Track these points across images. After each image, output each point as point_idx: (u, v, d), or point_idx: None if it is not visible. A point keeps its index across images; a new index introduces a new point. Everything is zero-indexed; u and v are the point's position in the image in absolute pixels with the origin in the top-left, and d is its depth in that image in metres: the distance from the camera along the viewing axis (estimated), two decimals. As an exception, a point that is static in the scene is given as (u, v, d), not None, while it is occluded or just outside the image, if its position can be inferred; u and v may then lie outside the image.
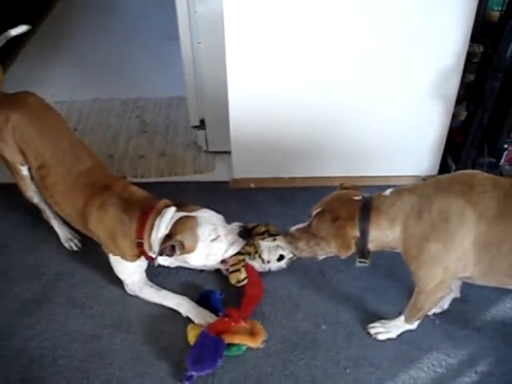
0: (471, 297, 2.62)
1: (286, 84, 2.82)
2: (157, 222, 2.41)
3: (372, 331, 2.50)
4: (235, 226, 2.48)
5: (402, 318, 2.42)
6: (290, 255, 2.61)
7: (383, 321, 2.52)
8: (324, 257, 2.32)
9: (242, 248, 2.51)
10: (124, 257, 2.55)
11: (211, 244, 2.39)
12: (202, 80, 3.17)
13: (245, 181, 3.22)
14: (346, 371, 2.38)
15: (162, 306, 2.63)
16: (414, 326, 2.43)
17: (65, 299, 2.70)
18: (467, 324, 2.54)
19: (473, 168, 2.98)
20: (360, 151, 3.07)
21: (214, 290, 2.66)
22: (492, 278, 2.17)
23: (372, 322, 2.52)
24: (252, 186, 3.22)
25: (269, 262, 2.63)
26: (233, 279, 2.61)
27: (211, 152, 3.51)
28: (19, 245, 2.96)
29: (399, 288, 2.64)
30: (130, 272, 2.63)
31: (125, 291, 2.69)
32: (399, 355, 2.43)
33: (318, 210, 2.23)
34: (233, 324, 2.41)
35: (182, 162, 3.47)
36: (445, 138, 3.05)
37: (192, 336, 2.41)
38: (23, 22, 4.74)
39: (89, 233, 2.64)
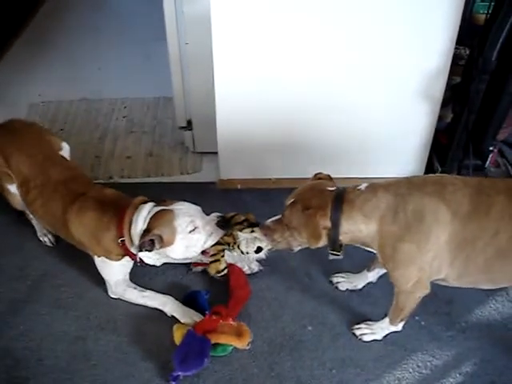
0: (456, 298, 2.64)
1: (274, 85, 2.83)
2: (134, 217, 2.44)
3: (357, 332, 2.52)
4: (213, 216, 2.48)
5: (387, 319, 2.43)
6: (269, 246, 2.56)
7: (369, 322, 2.53)
8: (299, 248, 2.33)
9: (221, 238, 2.50)
10: (109, 256, 2.57)
11: (189, 235, 2.40)
12: (189, 81, 3.16)
13: (231, 182, 3.23)
14: (332, 372, 2.39)
15: (147, 307, 2.62)
16: (399, 327, 2.44)
17: (50, 300, 2.69)
18: (452, 325, 2.55)
19: (459, 170, 3.00)
20: (346, 153, 3.07)
21: (201, 290, 2.65)
22: (467, 278, 2.21)
23: (358, 323, 2.53)
24: (239, 186, 3.22)
25: (247, 253, 2.60)
26: (212, 269, 2.62)
27: (198, 153, 3.51)
28: (4, 245, 2.95)
29: (385, 289, 2.64)
30: (115, 272, 2.63)
31: (106, 294, 2.69)
32: (384, 356, 2.44)
33: (291, 200, 2.24)
34: (221, 321, 2.42)
35: (168, 163, 3.47)
36: (431, 140, 3.06)
37: (178, 336, 2.41)
38: (12, 20, 4.76)
39: (74, 241, 2.66)
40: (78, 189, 2.66)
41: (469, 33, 2.77)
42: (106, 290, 2.68)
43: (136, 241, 2.43)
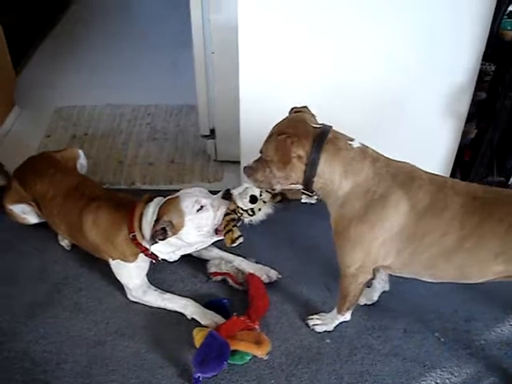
0: (476, 315, 2.62)
1: (300, 96, 2.81)
2: (144, 211, 2.51)
3: (310, 323, 2.56)
4: (218, 194, 2.52)
5: (335, 310, 2.46)
6: (263, 195, 2.47)
7: (322, 313, 2.57)
8: (279, 186, 2.24)
9: (228, 209, 2.48)
10: (124, 258, 2.60)
11: (198, 215, 2.42)
12: (213, 89, 3.18)
13: (253, 191, 3.22)
14: (349, 386, 2.39)
15: (167, 310, 2.64)
16: (347, 317, 2.48)
17: (70, 304, 2.70)
18: (472, 343, 2.53)
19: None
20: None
21: (222, 298, 2.66)
22: (410, 269, 2.24)
23: (376, 336, 2.52)
24: (260, 197, 3.22)
25: (253, 212, 2.48)
26: (227, 240, 2.53)
27: (220, 161, 3.52)
28: (26, 247, 2.97)
29: (404, 303, 2.64)
30: (132, 275, 2.65)
31: (126, 299, 2.70)
32: (403, 372, 2.42)
33: (269, 133, 2.21)
34: (248, 322, 2.43)
35: (190, 171, 3.48)
36: (454, 156, 3.04)
37: (199, 338, 2.40)
38: (37, 25, 4.81)
39: (90, 245, 2.71)
40: (90, 193, 2.74)
41: (495, 49, 2.76)
42: (125, 295, 2.70)
43: (147, 234, 2.47)
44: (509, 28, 2.72)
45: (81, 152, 3.13)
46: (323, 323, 2.54)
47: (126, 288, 2.69)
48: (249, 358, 2.41)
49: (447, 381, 2.39)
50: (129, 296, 2.69)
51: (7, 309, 2.68)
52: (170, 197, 2.51)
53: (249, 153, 3.03)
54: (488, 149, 2.88)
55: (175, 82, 4.19)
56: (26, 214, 2.95)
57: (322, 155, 2.07)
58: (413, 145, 2.99)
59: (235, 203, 2.48)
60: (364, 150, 2.14)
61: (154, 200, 2.55)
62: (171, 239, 2.45)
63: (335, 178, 2.10)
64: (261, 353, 2.39)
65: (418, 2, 2.53)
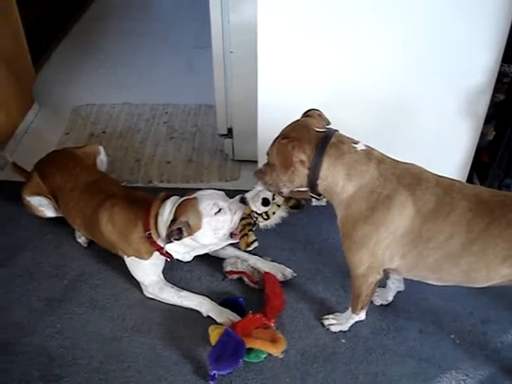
0: (492, 317, 2.60)
1: (318, 97, 2.82)
2: (160, 210, 2.52)
3: (325, 323, 2.57)
4: (235, 198, 2.53)
5: (350, 309, 2.46)
6: (276, 198, 2.48)
7: (337, 313, 2.58)
8: (287, 190, 2.27)
9: (244, 213, 2.49)
10: (138, 255, 2.61)
11: (215, 217, 2.44)
12: (231, 89, 3.19)
13: (269, 191, 3.22)
14: (364, 387, 2.39)
15: (182, 307, 2.65)
16: (361, 316, 2.48)
17: (86, 300, 2.72)
18: (487, 345, 2.52)
19: (499, 188, 2.97)
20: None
21: (238, 296, 2.67)
22: (417, 273, 2.24)
23: (391, 337, 2.52)
24: (276, 196, 3.22)
25: (267, 215, 2.49)
26: (242, 244, 2.55)
27: (237, 160, 3.53)
28: (43, 243, 2.99)
29: (420, 304, 2.64)
30: (147, 272, 2.67)
31: (142, 296, 2.71)
32: (418, 373, 2.42)
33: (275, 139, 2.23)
34: (264, 320, 2.44)
35: (208, 170, 3.49)
36: (472, 157, 3.03)
37: (214, 336, 2.41)
38: (57, 23, 4.85)
39: (105, 241, 2.73)
40: (107, 190, 2.77)
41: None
42: (142, 292, 2.71)
43: (163, 233, 2.48)
44: (529, 30, 2.71)
45: (101, 148, 3.16)
46: (338, 323, 2.55)
47: (142, 285, 2.70)
48: (264, 356, 2.42)
49: (462, 382, 2.38)
50: (145, 293, 2.70)
51: (24, 304, 2.70)
52: (187, 197, 2.51)
53: (266, 152, 3.06)
54: (506, 151, 2.86)
55: (193, 82, 4.20)
56: (43, 206, 2.97)
57: (325, 159, 2.10)
58: (430, 146, 2.99)
59: (250, 207, 2.49)
60: (369, 152, 2.15)
61: (171, 199, 2.56)
62: (186, 240, 2.46)
63: (339, 181, 2.11)
64: (276, 351, 2.40)
65: (435, 1, 2.53)
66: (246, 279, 2.75)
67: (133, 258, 2.64)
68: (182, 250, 2.58)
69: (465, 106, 2.82)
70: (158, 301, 2.68)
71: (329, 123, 2.28)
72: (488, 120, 2.93)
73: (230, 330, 2.39)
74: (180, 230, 2.40)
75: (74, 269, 2.87)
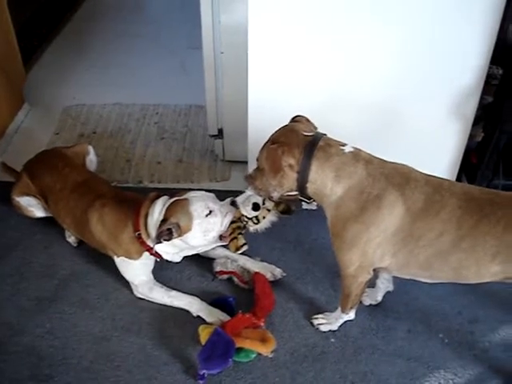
0: (481, 317, 2.62)
1: (308, 98, 2.84)
2: (150, 210, 2.52)
3: (315, 322, 2.58)
4: (226, 200, 2.53)
5: (339, 309, 2.48)
6: (267, 203, 2.50)
7: (326, 313, 2.59)
8: (276, 194, 2.27)
9: (234, 217, 2.50)
10: (128, 255, 2.61)
11: (206, 219, 2.43)
12: (222, 90, 3.19)
13: (260, 191, 3.23)
14: (353, 386, 2.40)
15: (172, 307, 2.65)
16: (351, 315, 2.50)
17: (77, 299, 2.72)
18: (476, 344, 2.54)
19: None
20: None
21: (227, 296, 2.68)
22: (408, 271, 2.26)
23: (380, 336, 2.54)
24: (267, 197, 3.23)
25: (257, 220, 2.51)
26: (232, 247, 2.57)
27: (227, 161, 3.54)
28: (33, 243, 2.98)
29: (410, 305, 2.65)
30: (137, 272, 2.67)
31: (133, 296, 2.71)
32: (407, 372, 2.43)
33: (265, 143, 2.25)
34: (253, 320, 2.44)
35: (198, 170, 3.50)
36: (460, 159, 3.05)
37: (204, 336, 2.41)
38: (48, 23, 4.84)
39: (95, 241, 2.72)
40: (96, 190, 2.77)
41: (503, 52, 2.76)
42: (132, 291, 2.72)
43: (153, 233, 2.48)
44: (517, 31, 2.73)
45: (90, 148, 3.15)
46: (328, 322, 2.56)
47: (131, 285, 2.70)
48: (254, 355, 2.43)
49: (451, 381, 2.40)
50: (135, 292, 2.71)
51: (15, 304, 2.70)
52: (177, 198, 2.51)
53: (256, 153, 3.05)
54: (494, 152, 2.89)
55: (184, 82, 4.21)
56: (33, 206, 2.96)
57: (313, 162, 2.12)
58: (419, 148, 3.00)
59: (240, 211, 2.50)
60: (356, 153, 2.17)
61: (161, 199, 2.56)
62: (176, 241, 2.46)
63: (327, 184, 2.13)
64: (266, 351, 2.41)
65: (424, 4, 2.54)
66: (235, 279, 2.76)
67: (123, 258, 2.64)
68: (171, 251, 2.57)
69: (453, 107, 2.84)
70: (148, 301, 2.69)
71: (316, 128, 2.30)
72: (476, 122, 2.95)
73: (220, 329, 2.39)
74: (170, 231, 2.40)
75: (64, 268, 2.87)
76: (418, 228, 2.09)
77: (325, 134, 2.22)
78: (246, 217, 2.49)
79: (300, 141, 2.16)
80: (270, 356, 2.42)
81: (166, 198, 2.56)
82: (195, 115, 3.93)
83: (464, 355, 2.50)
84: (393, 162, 2.20)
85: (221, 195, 3.16)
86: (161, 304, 2.67)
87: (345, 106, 2.87)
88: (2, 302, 2.71)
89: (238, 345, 2.37)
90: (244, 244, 2.57)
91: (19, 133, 3.80)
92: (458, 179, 3.13)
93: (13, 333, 2.58)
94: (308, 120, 2.32)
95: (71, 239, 2.96)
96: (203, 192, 2.56)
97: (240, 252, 2.59)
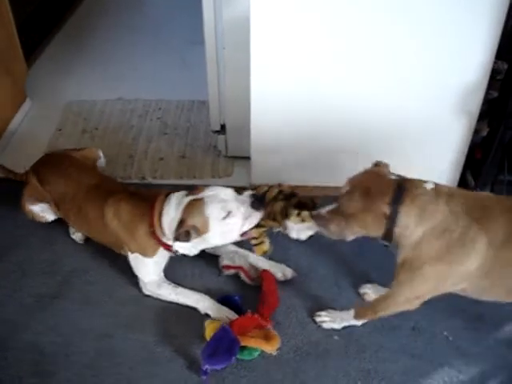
0: (485, 314, 2.61)
1: (310, 93, 2.82)
2: (165, 207, 2.47)
3: (317, 319, 2.56)
4: (246, 196, 2.42)
5: (352, 312, 2.45)
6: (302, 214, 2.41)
7: (330, 310, 2.56)
8: (353, 238, 2.20)
9: (262, 220, 2.41)
10: (143, 251, 2.58)
11: (224, 222, 2.35)
12: (224, 85, 3.18)
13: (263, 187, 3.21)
14: (357, 383, 2.38)
15: (176, 304, 2.64)
16: (359, 323, 2.47)
17: (79, 296, 2.72)
18: (480, 341, 2.52)
19: (492, 185, 2.97)
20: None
21: (233, 294, 2.65)
22: (486, 295, 2.23)
23: (384, 334, 2.53)
24: (270, 192, 3.21)
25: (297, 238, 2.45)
26: (258, 252, 2.55)
27: (230, 157, 3.52)
28: (36, 240, 2.98)
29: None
30: (150, 271, 2.64)
31: (139, 291, 2.70)
32: (410, 369, 2.42)
33: (347, 188, 2.15)
34: (261, 321, 2.41)
35: (201, 166, 3.49)
36: (465, 154, 3.04)
37: (209, 331, 2.40)
38: (50, 18, 4.83)
39: (111, 238, 2.69)
40: (111, 189, 2.73)
41: (508, 47, 2.75)
42: (135, 289, 2.70)
43: (166, 230, 2.45)
44: (522, 26, 2.71)
45: (100, 152, 3.13)
46: (331, 321, 2.54)
47: (141, 282, 2.69)
48: (257, 353, 2.41)
49: (455, 379, 2.39)
50: (143, 290, 2.69)
51: (17, 301, 2.69)
52: (194, 197, 2.42)
53: (259, 148, 3.06)
54: (499, 148, 2.87)
55: (186, 78, 4.19)
56: (44, 212, 2.94)
57: (402, 207, 2.04)
58: (424, 143, 2.99)
59: (279, 224, 2.42)
60: (438, 189, 2.09)
61: (175, 195, 2.50)
62: (195, 239, 2.41)
63: (410, 226, 2.05)
64: (271, 349, 2.39)
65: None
66: (242, 274, 2.73)
67: (137, 254, 2.61)
68: (188, 246, 2.52)
69: (458, 103, 2.83)
70: (152, 297, 2.68)
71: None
72: (481, 117, 2.93)
73: (227, 326, 2.38)
74: (188, 233, 2.36)
75: (66, 265, 2.86)
76: (502, 259, 2.03)
77: (404, 177, 2.15)
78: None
79: (389, 186, 2.08)
80: (275, 354, 2.41)
81: (180, 194, 2.50)
82: (198, 111, 3.91)
83: (468, 352, 2.48)
84: (474, 192, 2.21)
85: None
86: (165, 301, 2.66)
87: (349, 100, 2.86)
88: (4, 298, 2.71)
89: (242, 343, 2.36)
90: (270, 247, 2.54)
91: (21, 129, 3.79)
92: (463, 175, 3.12)
93: (15, 329, 2.57)
94: (387, 165, 2.24)
95: (77, 236, 2.95)
96: (221, 189, 2.46)
97: (265, 255, 2.58)
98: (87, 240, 2.93)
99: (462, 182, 3.14)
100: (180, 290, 2.66)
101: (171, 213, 2.44)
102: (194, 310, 2.61)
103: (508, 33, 2.68)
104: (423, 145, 3.00)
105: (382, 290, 2.61)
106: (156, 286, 2.66)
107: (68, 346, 2.51)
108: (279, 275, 2.71)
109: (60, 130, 3.77)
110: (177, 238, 2.37)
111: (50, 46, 4.69)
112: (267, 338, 2.39)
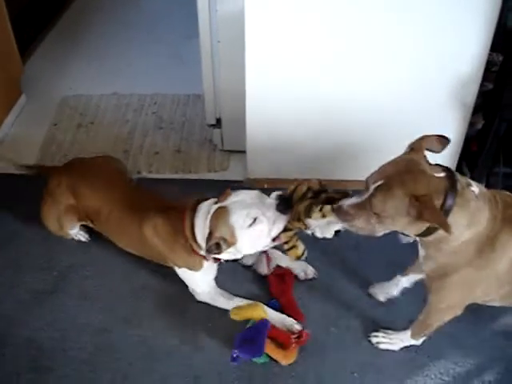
0: (481, 306, 2.60)
1: (304, 85, 2.82)
2: (196, 220, 2.40)
3: (374, 340, 2.49)
4: (272, 199, 2.30)
5: (409, 332, 2.39)
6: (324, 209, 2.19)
7: (388, 331, 2.49)
8: (382, 233, 1.97)
9: (290, 223, 2.27)
10: (188, 266, 2.53)
11: (250, 229, 2.24)
12: (219, 79, 3.17)
13: (259, 181, 3.22)
14: (354, 375, 2.39)
15: (177, 299, 2.65)
16: (419, 341, 2.41)
17: (76, 291, 2.72)
18: (477, 333, 2.53)
19: (488, 177, 2.97)
20: (375, 155, 3.02)
21: (270, 299, 2.62)
22: (507, 301, 2.19)
23: (377, 330, 2.53)
24: (266, 186, 3.21)
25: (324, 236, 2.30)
26: (292, 256, 2.41)
27: (226, 151, 3.52)
28: (32, 235, 2.97)
29: (410, 295, 2.63)
30: (199, 283, 2.60)
31: (133, 287, 2.72)
32: (407, 362, 2.43)
33: (379, 182, 1.86)
34: (292, 339, 2.37)
35: (196, 160, 3.48)
36: (461, 146, 3.04)
37: (255, 314, 2.40)
38: (44, 14, 4.81)
39: (157, 256, 2.63)
40: (144, 202, 2.65)
41: (503, 39, 2.75)
42: (133, 284, 2.72)
43: (202, 244, 2.38)
44: (516, 18, 2.72)
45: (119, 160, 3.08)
46: (389, 343, 2.46)
47: (193, 292, 2.64)
48: (267, 359, 2.40)
49: (451, 371, 2.40)
50: (196, 297, 2.63)
51: (14, 297, 2.70)
52: (220, 204, 2.33)
53: (255, 142, 3.06)
54: (494, 140, 2.87)
55: (182, 72, 4.18)
56: (81, 232, 2.91)
57: (453, 211, 1.82)
58: (419, 135, 2.99)
59: (304, 225, 2.24)
60: (484, 194, 1.92)
61: (203, 206, 2.42)
62: (229, 249, 2.34)
63: (458, 230, 1.86)
64: (285, 362, 2.39)
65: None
66: (264, 260, 2.68)
67: (184, 269, 2.56)
68: (228, 255, 2.44)
69: (453, 95, 2.83)
70: (148, 292, 2.68)
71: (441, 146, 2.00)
72: (477, 109, 2.93)
73: (269, 324, 2.37)
74: (218, 245, 2.28)
75: (63, 260, 2.86)
76: None
77: (455, 174, 1.89)
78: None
79: (438, 187, 1.81)
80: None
81: (208, 204, 2.42)
82: (193, 105, 3.91)
83: (464, 344, 2.49)
84: (499, 192, 2.02)
85: (220, 185, 3.17)
86: (161, 295, 2.66)
87: (342, 94, 2.86)
88: (0, 294, 2.71)
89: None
90: (304, 250, 2.39)
91: (17, 124, 3.78)
92: (459, 167, 3.12)
93: (12, 325, 2.58)
94: (432, 142, 1.99)
95: (82, 236, 2.92)
96: (246, 193, 2.35)
97: (301, 259, 2.46)
98: (91, 236, 2.91)
99: (458, 174, 3.14)
100: (235, 300, 2.57)
101: (201, 224, 2.37)
102: (189, 303, 2.62)
103: (503, 24, 2.68)
104: (417, 136, 2.99)
105: (389, 286, 2.61)
106: (209, 299, 2.60)
107: (66, 342, 2.52)
108: (301, 274, 2.70)
109: (55, 124, 3.76)
110: (208, 252, 2.31)
111: (45, 42, 4.68)
112: (286, 352, 2.37)
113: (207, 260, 2.47)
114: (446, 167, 1.90)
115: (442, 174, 1.85)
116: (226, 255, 2.42)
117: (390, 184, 1.83)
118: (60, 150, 3.53)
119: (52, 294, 2.70)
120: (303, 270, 2.71)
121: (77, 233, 2.88)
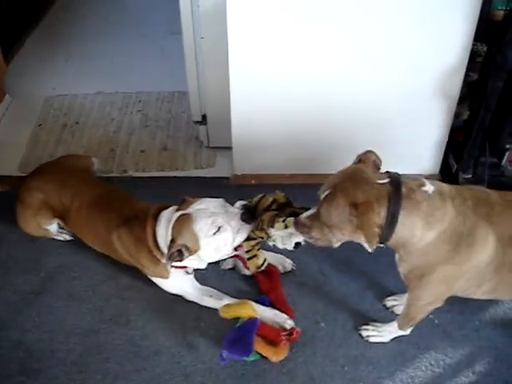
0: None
1: (288, 80, 2.82)
2: (157, 228, 2.39)
3: (364, 333, 2.49)
4: (236, 208, 2.33)
5: (395, 323, 2.40)
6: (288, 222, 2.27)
7: (377, 324, 2.50)
8: (340, 244, 2.04)
9: (253, 233, 2.33)
10: (157, 274, 2.54)
11: (215, 237, 2.25)
12: (204, 75, 3.15)
13: (245, 177, 3.22)
14: (344, 369, 2.39)
15: (160, 297, 2.62)
16: (407, 331, 2.41)
17: (64, 292, 2.70)
18: (466, 324, 2.53)
19: (474, 167, 2.98)
20: (361, 148, 3.05)
21: (260, 296, 2.59)
22: (493, 295, 2.20)
23: (367, 323, 2.52)
24: (253, 182, 3.21)
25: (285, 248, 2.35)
26: (252, 267, 2.51)
27: (212, 147, 3.50)
28: (18, 237, 2.93)
29: (398, 287, 2.63)
30: (177, 288, 2.59)
31: (121, 287, 2.70)
32: (397, 354, 2.43)
33: (327, 192, 1.93)
34: (283, 336, 2.36)
35: (183, 157, 3.46)
36: (447, 137, 3.04)
37: (244, 312, 2.39)
38: (27, 13, 4.78)
39: (127, 261, 2.63)
40: (113, 205, 2.64)
41: (487, 29, 2.74)
42: (119, 284, 2.70)
43: (165, 251, 2.36)
44: (500, 7, 2.71)
45: (95, 160, 3.07)
46: (379, 335, 2.47)
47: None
48: (258, 357, 2.38)
49: (441, 362, 2.40)
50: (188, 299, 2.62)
51: (1, 299, 2.68)
52: (182, 212, 2.32)
53: (240, 138, 3.05)
54: (480, 130, 2.87)
55: (166, 69, 4.16)
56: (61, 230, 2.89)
57: (401, 215, 1.86)
58: (405, 128, 2.99)
59: (267, 235, 2.31)
60: (440, 191, 1.94)
61: (164, 214, 2.41)
62: (191, 256, 2.33)
63: (416, 233, 1.90)
64: (275, 359, 2.38)
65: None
66: (240, 264, 2.65)
67: (156, 278, 2.57)
68: (192, 264, 2.45)
69: (438, 86, 2.83)
70: (136, 292, 2.67)
71: (380, 165, 2.03)
72: (462, 100, 2.93)
73: (258, 322, 2.36)
74: (180, 252, 2.27)
75: (50, 262, 2.84)
76: (510, 255, 1.97)
77: (399, 176, 1.94)
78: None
79: (382, 193, 1.86)
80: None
81: (169, 212, 2.41)
82: (178, 102, 3.89)
83: (454, 335, 2.49)
84: (467, 187, 2.05)
85: (207, 182, 3.16)
86: (147, 295, 2.64)
87: (326, 88, 2.85)
88: (-12, 297, 2.69)
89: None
90: (264, 261, 2.51)
91: (1, 125, 3.75)
92: (445, 158, 3.13)
93: (1, 328, 2.56)
94: (375, 160, 2.03)
95: (63, 236, 2.90)
96: (210, 201, 2.35)
97: (260, 270, 2.54)
98: (74, 236, 2.88)
99: (445, 166, 3.15)
100: (224, 300, 2.53)
101: (163, 233, 2.36)
102: (177, 302, 2.60)
103: (486, 14, 2.68)
104: (405, 130, 3.00)
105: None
106: (196, 298, 2.58)
107: (54, 343, 2.50)
108: (279, 267, 2.69)
109: (40, 125, 3.73)
110: (170, 259, 2.28)
111: (29, 42, 4.65)
112: (277, 348, 2.36)
113: (173, 267, 2.44)
114: (394, 173, 1.94)
115: (386, 180, 1.89)
116: (189, 262, 2.42)
117: (333, 193, 1.91)
118: (45, 150, 3.50)
119: (40, 296, 2.69)
120: (281, 263, 2.71)
121: (57, 231, 2.87)
